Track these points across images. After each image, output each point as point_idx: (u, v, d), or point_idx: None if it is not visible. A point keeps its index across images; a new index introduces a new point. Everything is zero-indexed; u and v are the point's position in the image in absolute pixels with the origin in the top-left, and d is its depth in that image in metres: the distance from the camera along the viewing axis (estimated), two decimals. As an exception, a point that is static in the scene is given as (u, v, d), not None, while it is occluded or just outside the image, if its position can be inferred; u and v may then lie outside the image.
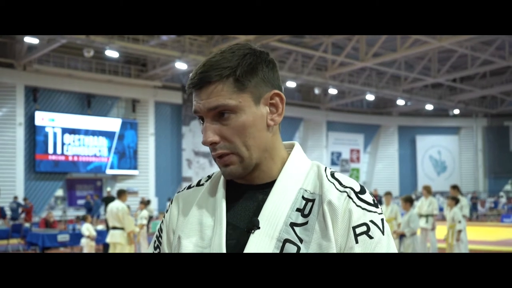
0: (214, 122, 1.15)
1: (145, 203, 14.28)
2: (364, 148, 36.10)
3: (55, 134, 23.13)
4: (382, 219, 1.14)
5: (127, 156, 25.56)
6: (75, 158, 23.98)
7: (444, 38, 20.80)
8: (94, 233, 11.08)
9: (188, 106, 26.67)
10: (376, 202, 1.16)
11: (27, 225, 15.43)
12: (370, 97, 29.37)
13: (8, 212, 19.05)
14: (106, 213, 9.87)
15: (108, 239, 9.30)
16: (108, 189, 23.62)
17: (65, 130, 23.45)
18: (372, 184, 33.69)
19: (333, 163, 33.95)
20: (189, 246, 1.17)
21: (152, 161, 26.24)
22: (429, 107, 32.16)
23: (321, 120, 33.38)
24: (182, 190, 1.32)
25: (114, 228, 9.11)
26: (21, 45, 21.27)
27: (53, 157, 23.16)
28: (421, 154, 37.15)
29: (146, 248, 1.45)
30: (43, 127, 22.79)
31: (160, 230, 1.30)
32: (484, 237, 16.14)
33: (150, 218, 13.95)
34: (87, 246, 11.01)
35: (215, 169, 1.36)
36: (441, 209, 15.94)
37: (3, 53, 21.77)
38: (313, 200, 1.14)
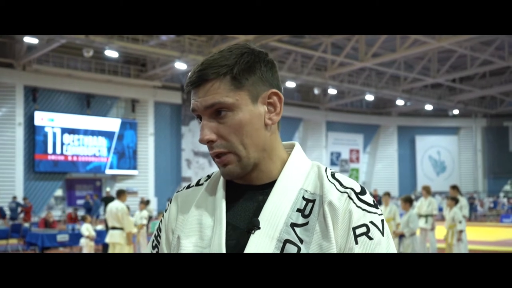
0: (211, 120, 1.15)
1: (145, 203, 14.27)
2: (363, 148, 36.11)
3: (54, 134, 23.12)
4: (382, 220, 1.14)
5: (126, 156, 25.55)
6: (75, 158, 23.96)
7: (444, 38, 20.80)
8: (93, 233, 11.08)
9: (188, 106, 26.65)
10: (376, 203, 1.16)
11: (26, 225, 15.43)
12: (369, 97, 29.38)
13: (8, 212, 19.05)
14: (106, 213, 9.87)
15: (108, 239, 9.30)
16: (108, 189, 23.60)
17: (64, 130, 23.44)
18: (372, 184, 33.69)
19: (332, 163, 33.95)
20: (188, 246, 1.17)
21: (152, 161, 26.23)
22: (428, 107, 32.17)
23: (321, 120, 33.38)
24: (181, 190, 1.32)
25: (114, 228, 9.11)
26: (21, 45, 21.26)
27: (53, 157, 23.15)
28: (420, 154, 37.15)
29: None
30: (43, 127, 22.78)
31: (159, 229, 1.30)
32: (483, 237, 16.15)
33: (150, 218, 13.94)
34: (87, 246, 11.01)
35: (214, 169, 1.35)
36: (440, 209, 15.95)
37: (2, 53, 21.76)
38: (313, 201, 1.14)
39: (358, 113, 35.68)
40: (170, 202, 1.31)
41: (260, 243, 1.10)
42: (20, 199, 20.03)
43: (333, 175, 1.18)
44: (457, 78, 29.88)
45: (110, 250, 9.24)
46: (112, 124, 25.11)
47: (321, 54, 24.03)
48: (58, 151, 23.27)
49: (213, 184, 1.26)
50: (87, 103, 24.26)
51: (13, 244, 14.54)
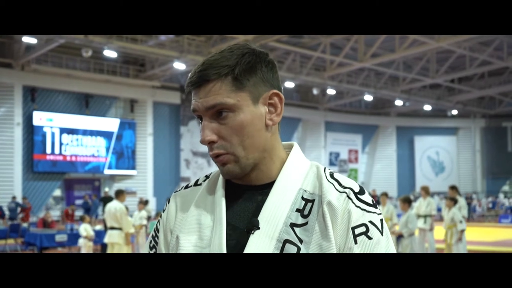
0: (212, 121, 1.15)
1: (144, 203, 14.26)
2: (362, 149, 36.12)
3: (53, 134, 23.10)
4: (381, 220, 1.14)
5: (125, 156, 25.54)
6: (73, 158, 23.95)
7: (443, 39, 20.81)
8: (91, 234, 11.06)
9: (187, 106, 26.65)
10: (375, 202, 1.16)
11: (25, 225, 15.42)
12: (368, 97, 29.40)
13: (7, 212, 19.03)
14: (104, 213, 9.87)
15: (106, 239, 9.30)
16: (106, 189, 23.58)
17: (63, 130, 23.42)
18: (370, 185, 33.71)
19: (331, 163, 33.96)
20: (187, 246, 1.16)
21: (150, 161, 26.22)
22: (427, 107, 32.19)
23: (320, 120, 33.39)
24: (180, 190, 1.32)
25: (112, 228, 9.11)
26: (19, 45, 21.24)
27: (51, 157, 23.13)
28: (419, 154, 37.17)
29: (145, 248, 1.43)
30: (41, 127, 22.76)
31: (157, 230, 1.30)
32: (482, 237, 16.16)
33: (149, 218, 13.93)
34: (85, 246, 11.00)
35: (213, 169, 1.35)
36: (438, 210, 15.95)
37: (1, 53, 21.73)
38: (312, 201, 1.14)
39: (357, 113, 35.70)
40: (168, 202, 1.30)
41: (260, 243, 1.09)
42: (19, 199, 20.01)
43: (332, 175, 1.18)
44: (455, 78, 29.90)
45: (109, 250, 9.24)
46: (111, 124, 25.09)
47: (320, 54, 24.04)
48: (56, 151, 23.26)
49: (212, 184, 1.26)
50: (85, 103, 24.25)
51: (11, 244, 14.52)
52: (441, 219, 11.15)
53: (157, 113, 26.74)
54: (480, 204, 29.75)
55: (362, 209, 1.12)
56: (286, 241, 1.09)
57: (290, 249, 1.08)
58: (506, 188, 36.77)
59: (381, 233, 1.12)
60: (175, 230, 1.22)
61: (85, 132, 24.16)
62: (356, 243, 1.09)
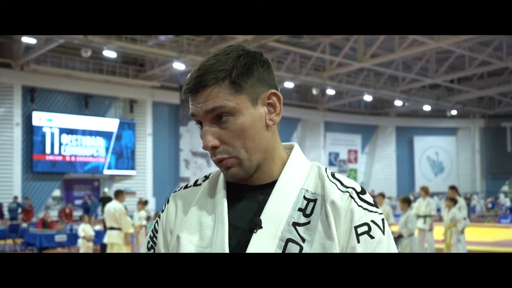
0: (213, 125, 1.14)
1: (143, 203, 14.26)
2: (361, 149, 36.14)
3: (52, 134, 23.10)
4: (382, 219, 1.15)
5: (124, 156, 25.54)
6: (73, 158, 23.95)
7: (442, 39, 20.82)
8: (90, 234, 11.02)
9: (186, 107, 26.50)
10: (375, 202, 1.17)
11: (24, 225, 15.41)
12: (368, 97, 29.40)
13: (6, 212, 19.02)
14: (104, 213, 9.86)
15: (106, 240, 9.30)
16: (106, 189, 23.57)
17: (62, 130, 23.42)
18: (370, 185, 33.72)
19: (330, 163, 33.97)
20: (188, 246, 1.16)
21: (150, 162, 26.22)
22: (426, 108, 32.19)
23: (319, 120, 33.40)
24: (179, 190, 1.31)
25: (112, 228, 9.11)
26: (19, 45, 21.24)
27: (51, 157, 23.13)
28: (418, 154, 37.19)
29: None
30: (41, 127, 22.75)
31: (155, 230, 1.29)
32: (481, 238, 16.16)
33: (148, 218, 13.92)
34: (83, 246, 10.98)
35: (212, 169, 1.35)
36: (438, 210, 15.96)
37: (0, 53, 21.73)
38: (314, 200, 1.14)
39: (356, 113, 35.71)
40: (167, 202, 1.30)
41: (263, 242, 1.10)
42: (19, 199, 20.01)
43: (333, 175, 1.19)
44: (455, 78, 29.90)
45: (108, 251, 9.23)
46: (110, 124, 25.09)
47: (320, 55, 24.04)
48: (56, 151, 23.25)
49: (212, 184, 1.25)
50: (85, 103, 24.24)
51: (10, 244, 14.52)
52: (440, 219, 11.15)
53: (157, 113, 26.74)
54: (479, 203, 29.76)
55: (364, 209, 1.13)
56: (289, 240, 1.09)
57: (293, 248, 1.09)
58: (505, 188, 36.79)
59: (383, 232, 1.13)
60: (175, 230, 1.22)
61: (84, 132, 24.16)
62: (358, 242, 1.09)
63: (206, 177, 1.30)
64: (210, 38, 22.12)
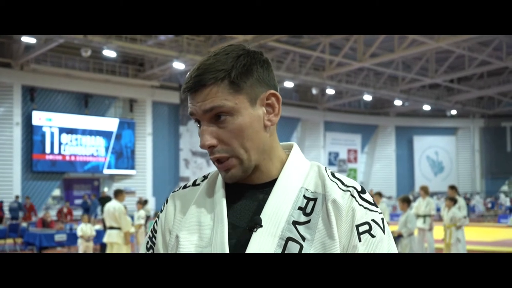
0: (211, 125, 1.14)
1: (142, 203, 14.26)
2: (361, 148, 36.14)
3: (52, 134, 23.09)
4: (382, 219, 1.16)
5: (124, 156, 25.53)
6: (72, 158, 23.94)
7: (442, 39, 20.82)
8: (88, 233, 10.98)
9: (186, 106, 26.46)
10: (375, 202, 1.18)
11: (24, 224, 15.41)
12: (367, 97, 29.40)
13: (7, 212, 19.01)
14: (103, 213, 9.86)
15: (105, 239, 9.30)
16: (106, 189, 23.56)
17: (62, 130, 23.41)
18: (370, 184, 33.72)
19: (330, 163, 33.97)
20: (188, 245, 1.16)
21: (150, 161, 26.21)
22: (426, 107, 32.20)
23: (319, 120, 33.39)
24: (178, 190, 1.32)
25: (111, 228, 9.11)
26: (19, 45, 21.23)
27: (50, 157, 23.12)
28: (418, 154, 37.19)
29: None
30: (40, 127, 22.75)
31: (154, 231, 1.29)
32: (481, 237, 16.17)
33: (148, 218, 13.93)
34: (82, 246, 10.97)
35: (212, 169, 1.35)
36: (437, 210, 15.97)
37: (0, 53, 21.72)
38: (315, 199, 1.14)
39: (356, 113, 35.70)
40: (166, 202, 1.30)
41: (262, 241, 1.10)
42: (19, 199, 20.00)
43: (333, 174, 1.20)
44: (455, 78, 29.90)
45: (108, 250, 9.24)
46: (110, 124, 25.08)
47: (319, 54, 24.03)
48: (56, 151, 23.25)
49: (211, 183, 1.26)
50: (85, 103, 24.24)
51: (10, 244, 14.52)
52: (440, 219, 11.15)
53: (156, 112, 26.74)
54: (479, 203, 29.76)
55: (365, 208, 1.14)
56: (289, 239, 1.10)
57: (293, 246, 1.09)
58: (505, 188, 36.79)
59: (383, 231, 1.13)
60: (174, 230, 1.22)
61: (84, 132, 24.15)
62: (360, 240, 1.10)
63: (205, 177, 1.30)
64: (210, 38, 22.12)
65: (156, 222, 1.30)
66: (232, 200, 1.19)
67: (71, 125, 23.69)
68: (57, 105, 23.55)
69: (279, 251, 1.09)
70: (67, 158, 23.75)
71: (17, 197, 19.84)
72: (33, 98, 22.51)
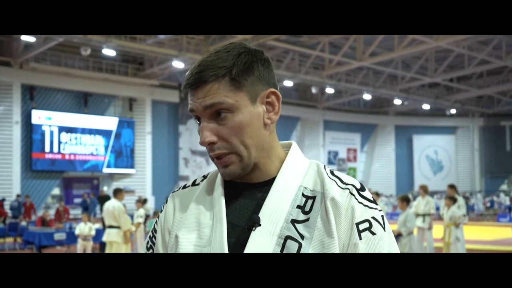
0: (211, 121, 1.14)
1: (142, 201, 14.26)
2: (361, 148, 36.14)
3: (51, 133, 23.09)
4: (382, 216, 1.16)
5: (124, 154, 25.53)
6: (72, 157, 23.93)
7: (441, 38, 20.83)
8: (85, 232, 10.94)
9: (185, 105, 26.55)
10: (375, 199, 1.17)
11: (23, 223, 15.41)
12: (367, 96, 29.40)
13: (9, 210, 19.01)
14: (103, 212, 9.86)
15: (105, 238, 9.30)
16: (105, 188, 23.55)
17: (61, 129, 23.41)
18: (369, 184, 33.72)
19: (330, 162, 33.98)
20: (187, 245, 1.16)
21: (149, 160, 26.20)
22: (426, 106, 32.19)
23: (318, 119, 33.39)
24: (177, 190, 1.32)
25: (111, 227, 9.11)
26: (18, 43, 21.22)
27: (50, 156, 23.12)
28: (417, 153, 37.21)
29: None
30: (40, 126, 22.74)
31: (154, 230, 1.29)
32: (480, 236, 16.19)
33: (147, 217, 13.93)
34: (79, 245, 10.96)
35: (211, 168, 1.35)
36: (437, 209, 15.98)
37: (-1, 51, 21.74)
38: (313, 197, 1.14)
39: (355, 112, 35.70)
40: (166, 203, 1.30)
41: (261, 240, 1.10)
42: (20, 198, 20.00)
43: (332, 173, 1.19)
44: (454, 77, 29.90)
45: (107, 249, 9.24)
46: (110, 122, 25.08)
47: (319, 53, 24.03)
48: (55, 149, 23.24)
49: (210, 183, 1.26)
50: (84, 102, 24.23)
51: (10, 242, 14.52)
52: (439, 218, 11.16)
53: (156, 111, 26.73)
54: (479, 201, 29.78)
55: (365, 205, 1.13)
56: (288, 238, 1.10)
57: (292, 245, 1.09)
58: (504, 187, 36.82)
59: (384, 228, 1.13)
60: (173, 229, 1.22)
61: (83, 131, 24.14)
62: (360, 238, 1.10)
63: (205, 177, 1.30)
64: (209, 37, 22.11)
65: (156, 222, 1.30)
66: (231, 199, 1.19)
67: (71, 124, 23.68)
68: (56, 104, 23.53)
69: (278, 249, 1.09)
70: (67, 157, 23.74)
71: (18, 195, 19.83)
72: (33, 96, 22.50)
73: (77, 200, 23.48)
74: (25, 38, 19.12)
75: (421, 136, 37.09)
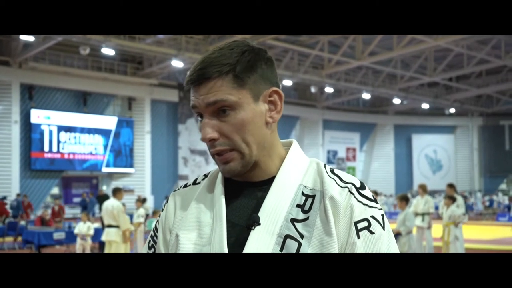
0: (213, 118, 1.14)
1: (141, 201, 14.25)
2: (360, 147, 36.17)
3: (50, 132, 23.08)
4: (382, 215, 1.15)
5: (123, 154, 25.53)
6: (71, 156, 23.93)
7: (440, 37, 20.84)
8: (84, 232, 10.93)
9: (185, 104, 26.64)
10: (375, 198, 1.17)
11: (22, 223, 15.40)
12: (366, 95, 29.41)
13: (10, 210, 18.99)
14: (101, 211, 9.86)
15: (104, 237, 9.29)
16: (104, 187, 23.53)
17: (61, 128, 23.40)
18: (368, 183, 33.72)
19: (329, 161, 33.99)
20: (187, 244, 1.16)
21: (148, 159, 26.21)
22: (425, 106, 32.22)
23: (317, 118, 33.41)
24: (178, 189, 1.32)
25: (110, 226, 9.10)
26: (17, 43, 21.21)
27: (49, 155, 23.12)
28: (417, 152, 37.23)
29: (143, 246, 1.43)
30: (39, 125, 22.73)
31: (155, 229, 1.29)
32: (480, 235, 16.20)
33: (147, 216, 13.93)
34: (78, 244, 10.95)
35: (211, 167, 1.35)
36: (436, 208, 15.99)
37: (-2, 51, 21.72)
38: (313, 196, 1.14)
39: (354, 111, 35.72)
40: (167, 201, 1.30)
41: (261, 239, 1.09)
42: (20, 197, 19.99)
43: (332, 171, 1.19)
44: (453, 76, 29.94)
45: (106, 248, 9.23)
46: (109, 122, 25.08)
47: (318, 53, 24.04)
48: (54, 149, 23.24)
49: (211, 182, 1.25)
50: (83, 101, 24.23)
51: (9, 242, 14.51)
52: (439, 217, 11.16)
53: (155, 111, 26.73)
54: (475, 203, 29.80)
55: (364, 204, 1.13)
56: (287, 237, 1.09)
57: (291, 244, 1.08)
58: (503, 186, 36.86)
59: (383, 227, 1.12)
60: (174, 228, 1.22)
61: (83, 130, 24.14)
62: (358, 237, 1.09)
63: (206, 176, 1.30)
64: (209, 36, 22.11)
65: (158, 221, 1.30)
66: (231, 198, 1.19)
67: (70, 123, 23.68)
68: (55, 103, 23.53)
69: (278, 248, 1.09)
70: (66, 156, 23.74)
71: (18, 195, 19.83)
72: (32, 96, 22.50)
73: (76, 200, 23.47)
74: (24, 37, 19.11)
75: (420, 135, 37.12)
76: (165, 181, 26.54)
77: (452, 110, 34.18)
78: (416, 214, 10.19)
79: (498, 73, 30.32)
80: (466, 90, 31.39)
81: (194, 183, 1.30)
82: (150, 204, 21.69)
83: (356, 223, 1.10)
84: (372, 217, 1.12)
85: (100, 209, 11.67)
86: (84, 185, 24.90)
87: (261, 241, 1.09)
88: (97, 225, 12.65)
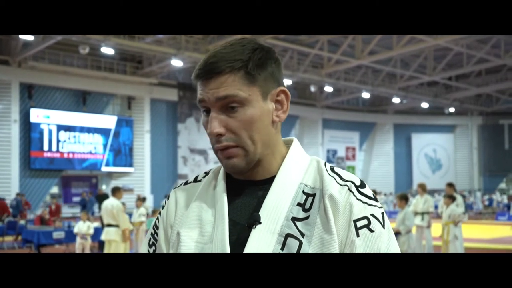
0: (221, 113, 1.14)
1: (141, 200, 14.24)
2: (359, 146, 36.17)
3: (50, 131, 23.08)
4: (382, 213, 1.15)
5: (122, 153, 25.53)
6: (71, 155, 23.93)
7: (440, 37, 20.84)
8: (83, 231, 10.93)
9: (184, 104, 26.65)
10: (375, 196, 1.17)
11: (22, 222, 15.39)
12: (365, 95, 29.42)
13: (10, 209, 18.99)
14: (101, 210, 9.85)
15: (103, 237, 9.29)
16: (104, 186, 23.53)
17: (60, 127, 23.40)
18: (368, 182, 33.74)
19: (328, 160, 33.83)
20: (189, 242, 1.16)
21: (148, 159, 26.21)
22: (424, 105, 32.23)
23: (317, 117, 33.41)
24: (179, 186, 1.31)
25: (109, 225, 9.10)
26: (16, 42, 21.20)
27: (48, 154, 23.11)
28: (416, 152, 37.24)
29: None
30: (38, 124, 22.73)
31: (156, 227, 1.29)
32: (479, 235, 16.20)
33: (147, 215, 13.93)
34: (78, 243, 10.94)
35: (210, 166, 1.35)
36: (435, 207, 16.00)
37: (-2, 50, 21.71)
38: (313, 195, 1.14)
39: (354, 110, 35.73)
40: (168, 198, 1.30)
41: (262, 237, 1.10)
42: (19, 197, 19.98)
43: (332, 169, 1.19)
44: (453, 76, 29.94)
45: (106, 248, 9.23)
46: (108, 121, 25.07)
47: (318, 52, 24.04)
48: (54, 148, 23.24)
49: (212, 180, 1.25)
50: (83, 100, 24.22)
51: (8, 241, 14.51)
52: (438, 216, 11.17)
53: (155, 110, 26.73)
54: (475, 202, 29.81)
55: (364, 202, 1.13)
56: (288, 235, 1.09)
57: (292, 243, 1.08)
58: (503, 185, 36.87)
59: (383, 226, 1.12)
60: (175, 225, 1.22)
61: (82, 129, 24.14)
62: (358, 235, 1.09)
63: (206, 173, 1.30)
64: (208, 36, 22.11)
65: (157, 218, 1.30)
66: (233, 197, 1.19)
67: (69, 123, 23.68)
68: (55, 103, 23.52)
69: (278, 247, 1.09)
70: (65, 155, 23.74)
71: (18, 194, 19.83)
72: (31, 95, 22.50)
73: (76, 199, 23.46)
74: (24, 36, 19.09)
75: (419, 134, 37.13)
76: (164, 180, 26.54)
77: (452, 109, 34.20)
78: (416, 213, 10.19)
79: (497, 72, 30.33)
80: (466, 89, 31.39)
81: (195, 180, 1.30)
82: (149, 203, 21.69)
83: (355, 221, 1.10)
84: (372, 215, 1.12)
85: (100, 208, 11.66)
86: (83, 184, 24.90)
87: (262, 240, 1.09)
88: (96, 224, 12.65)
